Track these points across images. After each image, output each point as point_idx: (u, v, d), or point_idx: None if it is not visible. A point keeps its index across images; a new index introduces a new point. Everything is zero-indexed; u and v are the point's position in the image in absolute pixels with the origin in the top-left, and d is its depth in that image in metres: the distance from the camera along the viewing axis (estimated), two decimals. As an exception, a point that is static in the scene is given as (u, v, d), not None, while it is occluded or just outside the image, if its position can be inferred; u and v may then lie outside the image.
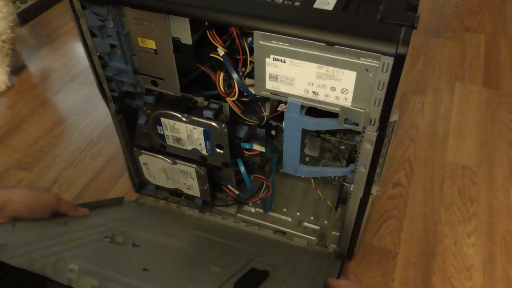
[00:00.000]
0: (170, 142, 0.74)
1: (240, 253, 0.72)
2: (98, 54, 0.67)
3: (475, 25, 1.44)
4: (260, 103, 0.68)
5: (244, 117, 0.70)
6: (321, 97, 0.56)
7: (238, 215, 0.86)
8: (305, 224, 0.84)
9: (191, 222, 0.84)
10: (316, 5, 0.54)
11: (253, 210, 0.87)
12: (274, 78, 0.57)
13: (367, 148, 0.59)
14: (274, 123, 0.72)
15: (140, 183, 0.90)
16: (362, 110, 0.55)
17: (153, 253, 0.64)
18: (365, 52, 0.49)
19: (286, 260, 0.72)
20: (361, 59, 0.50)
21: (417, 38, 1.38)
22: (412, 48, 1.34)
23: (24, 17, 1.48)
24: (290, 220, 0.85)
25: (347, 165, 0.69)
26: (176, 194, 0.89)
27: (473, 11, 1.50)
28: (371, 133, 0.57)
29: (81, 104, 1.19)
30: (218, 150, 0.72)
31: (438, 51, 1.34)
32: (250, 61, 0.62)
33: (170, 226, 0.80)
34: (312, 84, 0.56)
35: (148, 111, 0.71)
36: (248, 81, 0.63)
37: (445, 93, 1.20)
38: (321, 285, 0.54)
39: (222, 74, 0.64)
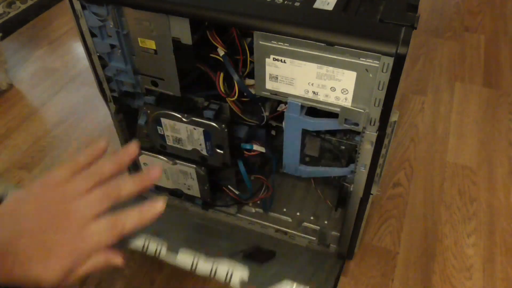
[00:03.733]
0: (170, 142, 0.74)
1: (246, 239, 0.71)
2: (98, 54, 0.67)
3: (475, 25, 1.44)
4: (260, 103, 0.68)
5: (244, 117, 0.70)
6: (321, 97, 0.56)
7: (238, 215, 0.86)
8: (305, 224, 0.84)
9: (194, 215, 0.84)
10: (316, 5, 0.54)
11: (253, 210, 0.87)
12: (274, 78, 0.57)
13: (367, 148, 0.59)
14: (274, 123, 0.72)
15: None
16: (362, 110, 0.55)
17: (163, 224, 0.64)
18: (365, 52, 0.49)
19: (289, 252, 0.72)
20: (361, 59, 0.50)
21: (417, 38, 1.38)
22: (412, 48, 1.34)
23: (24, 17, 1.48)
24: (290, 220, 0.85)
25: (347, 165, 0.69)
26: (176, 194, 0.88)
27: (473, 11, 1.50)
28: (371, 133, 0.57)
29: (81, 104, 1.19)
30: (218, 150, 0.72)
31: (438, 51, 1.34)
32: (250, 61, 0.62)
33: (175, 214, 0.80)
34: (312, 84, 0.56)
35: (148, 112, 0.71)
36: (248, 81, 0.63)
37: (445, 93, 1.20)
38: (322, 279, 0.54)
39: (222, 74, 0.64)
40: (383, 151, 0.60)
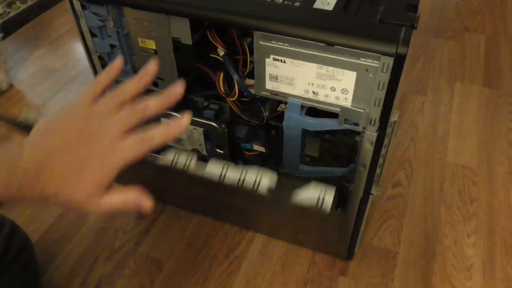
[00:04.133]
0: (170, 142, 0.74)
1: None
2: (98, 54, 0.67)
3: (475, 25, 1.44)
4: (260, 103, 0.68)
5: (244, 117, 0.70)
6: (321, 97, 0.56)
7: (238, 215, 0.86)
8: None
9: None
10: (316, 5, 0.54)
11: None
12: (274, 78, 0.57)
13: (367, 148, 0.59)
14: (274, 123, 0.72)
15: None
16: (362, 110, 0.55)
17: None
18: (365, 52, 0.49)
19: None
20: (361, 59, 0.50)
21: (417, 38, 1.37)
22: (412, 48, 1.34)
23: (24, 17, 1.48)
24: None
25: (347, 165, 0.69)
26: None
27: (473, 11, 1.50)
28: (371, 133, 0.57)
29: (81, 104, 1.19)
30: (218, 150, 0.72)
31: (438, 51, 1.34)
32: (250, 61, 0.62)
33: None
34: (312, 84, 0.56)
35: (148, 111, 0.71)
36: (248, 81, 0.63)
37: (445, 93, 1.20)
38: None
39: (222, 74, 0.64)
40: (383, 151, 0.60)
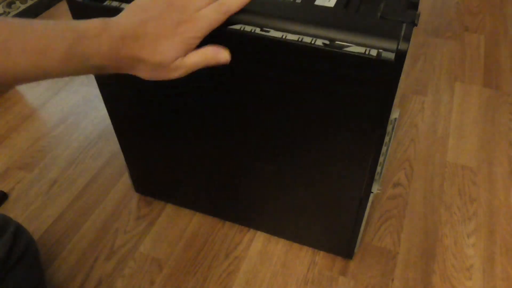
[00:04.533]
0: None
1: None
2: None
3: (475, 25, 1.44)
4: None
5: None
6: (321, 95, 0.56)
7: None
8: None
9: None
10: (318, 2, 0.54)
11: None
12: (275, 76, 0.57)
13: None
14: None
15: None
16: (363, 108, 0.55)
17: None
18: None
19: None
20: (361, 56, 0.50)
21: (417, 38, 1.38)
22: (412, 48, 1.34)
23: (24, 17, 1.48)
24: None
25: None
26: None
27: (473, 11, 1.51)
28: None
29: (81, 104, 1.19)
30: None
31: (438, 51, 1.34)
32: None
33: None
34: (312, 82, 0.55)
35: (148, 110, 0.71)
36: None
37: (445, 93, 1.20)
38: None
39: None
40: (384, 149, 0.60)
